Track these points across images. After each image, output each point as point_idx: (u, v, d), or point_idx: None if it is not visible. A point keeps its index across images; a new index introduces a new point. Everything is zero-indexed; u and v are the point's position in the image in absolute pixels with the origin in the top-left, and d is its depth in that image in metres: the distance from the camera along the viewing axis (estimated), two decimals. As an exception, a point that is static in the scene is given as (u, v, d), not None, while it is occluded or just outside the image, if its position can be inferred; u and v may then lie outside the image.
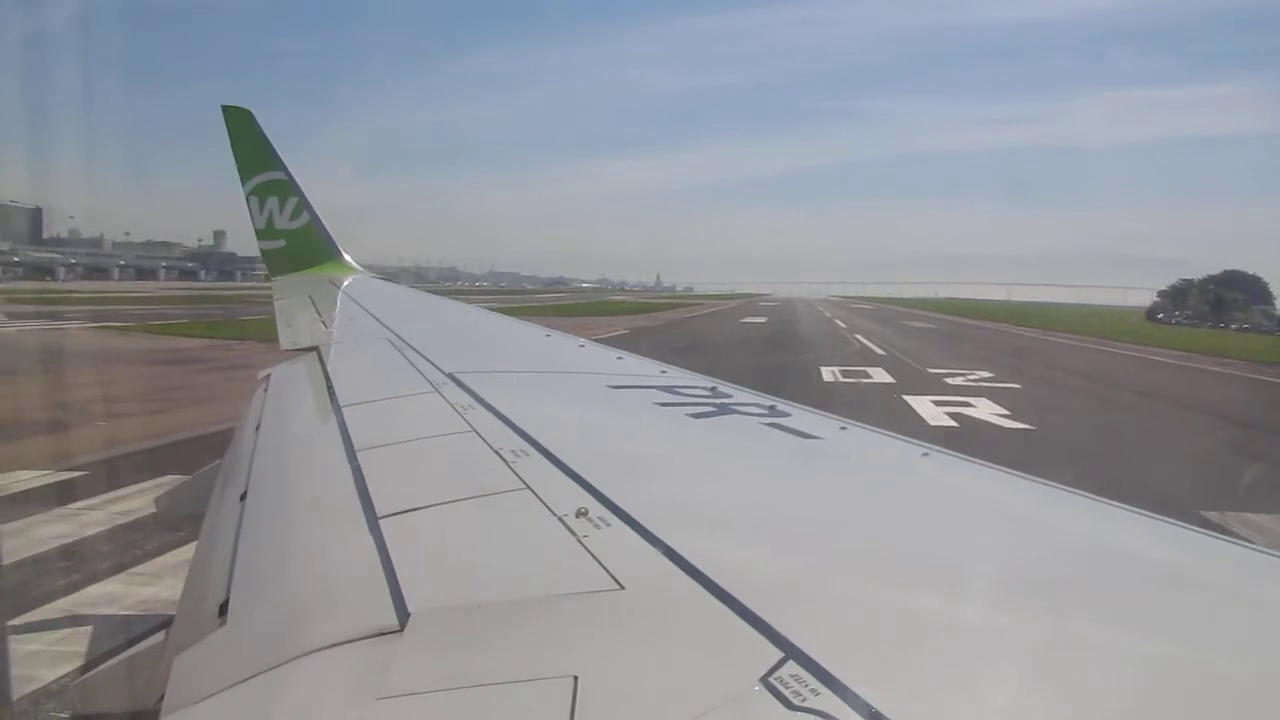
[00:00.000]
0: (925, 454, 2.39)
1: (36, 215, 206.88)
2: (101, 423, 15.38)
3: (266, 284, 10.09)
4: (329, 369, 3.99)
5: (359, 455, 2.23)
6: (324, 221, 10.05)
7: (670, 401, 3.08)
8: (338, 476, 2.09)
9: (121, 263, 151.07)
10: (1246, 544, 1.78)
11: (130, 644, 2.11)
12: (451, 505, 1.82)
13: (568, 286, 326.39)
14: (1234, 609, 1.50)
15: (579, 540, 1.56)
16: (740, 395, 3.21)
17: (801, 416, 2.83)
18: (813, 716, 1.01)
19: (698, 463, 2.35)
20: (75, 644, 6.29)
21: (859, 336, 45.16)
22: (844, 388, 23.16)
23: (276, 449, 2.80)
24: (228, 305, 53.84)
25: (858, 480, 2.34)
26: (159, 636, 1.96)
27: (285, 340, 5.42)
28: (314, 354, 4.53)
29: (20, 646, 6.07)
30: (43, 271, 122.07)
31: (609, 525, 1.63)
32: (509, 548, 1.65)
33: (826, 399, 21.10)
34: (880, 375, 25.71)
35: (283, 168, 9.75)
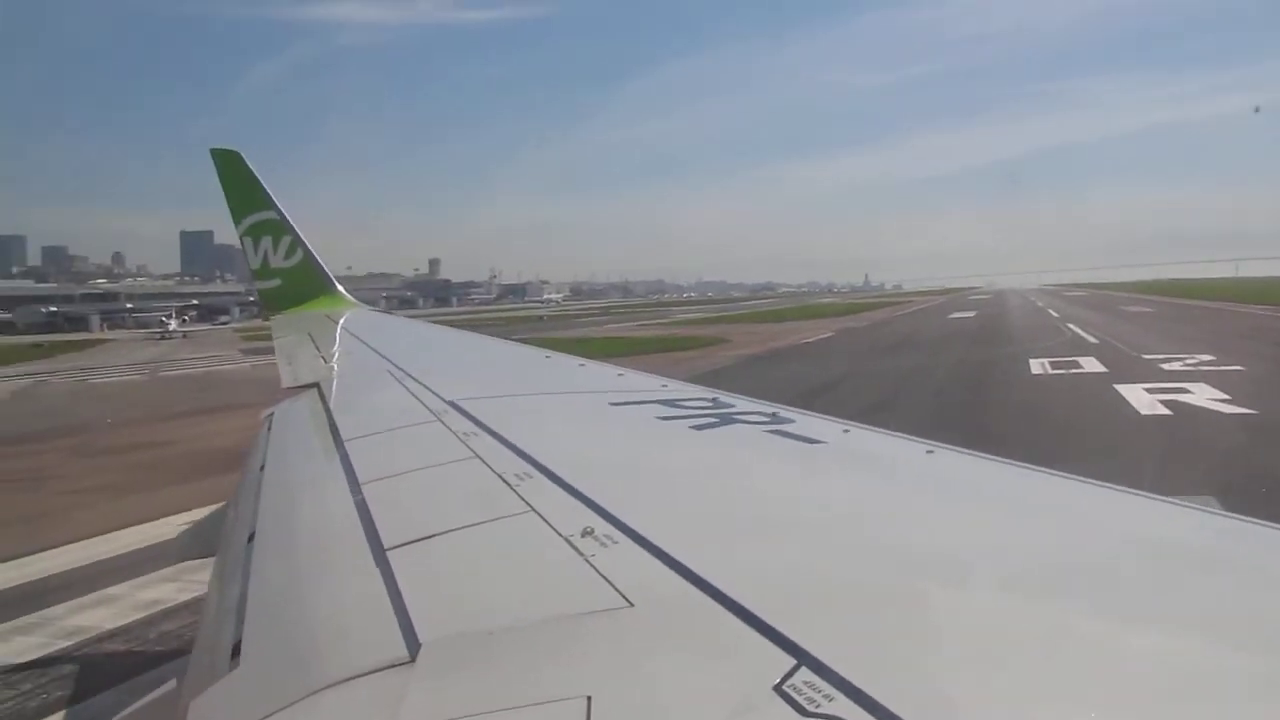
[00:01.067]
0: (930, 452, 2.35)
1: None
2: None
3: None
4: (330, 404, 4.05)
5: (364, 488, 2.26)
6: (319, 258, 10.03)
7: (671, 415, 3.05)
8: (343, 511, 2.11)
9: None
10: (1273, 525, 1.69)
11: (143, 690, 2.12)
12: (458, 532, 1.83)
13: (774, 291, 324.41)
14: (1263, 593, 1.44)
15: (586, 559, 1.57)
16: (742, 404, 3.20)
17: (804, 422, 2.80)
18: None
19: (701, 475, 2.33)
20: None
21: (1071, 325, 43.34)
22: (1052, 380, 22.56)
23: (281, 487, 2.82)
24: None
25: (863, 483, 2.30)
26: (172, 683, 1.98)
27: (286, 378, 5.49)
28: (315, 390, 4.59)
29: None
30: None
31: (615, 543, 1.63)
32: (516, 571, 1.65)
33: (1032, 393, 20.71)
34: (1091, 364, 24.76)
35: (274, 207, 9.70)
